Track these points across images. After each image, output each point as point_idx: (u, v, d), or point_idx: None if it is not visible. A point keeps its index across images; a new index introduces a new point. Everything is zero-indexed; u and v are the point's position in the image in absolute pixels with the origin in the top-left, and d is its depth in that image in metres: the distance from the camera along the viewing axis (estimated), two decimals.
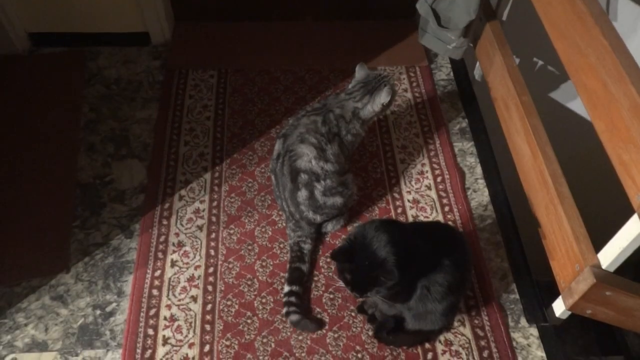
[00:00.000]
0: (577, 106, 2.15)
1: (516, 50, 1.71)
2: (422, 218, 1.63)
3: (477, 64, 1.92)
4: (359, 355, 1.36)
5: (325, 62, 2.09)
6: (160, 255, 1.53)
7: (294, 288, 1.41)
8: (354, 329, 1.40)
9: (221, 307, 1.43)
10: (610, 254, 1.11)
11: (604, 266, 1.13)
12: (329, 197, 1.44)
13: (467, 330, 1.41)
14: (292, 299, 1.40)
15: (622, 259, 1.10)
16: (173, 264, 1.51)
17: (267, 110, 1.92)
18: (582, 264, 1.16)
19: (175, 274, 1.49)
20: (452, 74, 2.08)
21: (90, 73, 2.03)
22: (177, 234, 1.57)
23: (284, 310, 1.40)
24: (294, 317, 1.37)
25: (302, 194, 1.43)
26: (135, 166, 1.74)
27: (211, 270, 1.50)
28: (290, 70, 2.05)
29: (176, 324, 1.40)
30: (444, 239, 1.25)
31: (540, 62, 1.97)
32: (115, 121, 1.87)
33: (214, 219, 1.61)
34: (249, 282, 1.48)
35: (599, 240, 1.18)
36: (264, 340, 1.38)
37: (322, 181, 1.42)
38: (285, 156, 1.44)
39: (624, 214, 1.08)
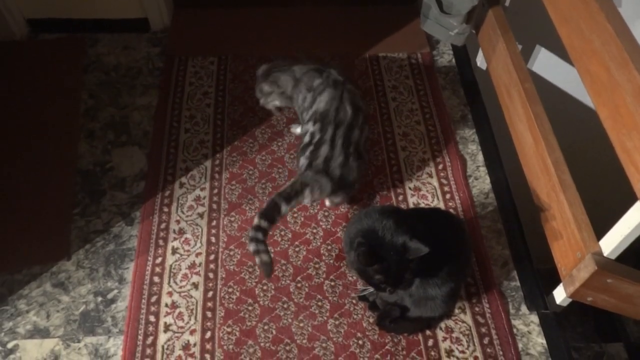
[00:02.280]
0: (581, 93, 2.13)
1: (519, 37, 1.69)
2: (423, 205, 1.62)
3: (480, 50, 1.90)
4: (360, 342, 1.36)
5: (326, 48, 2.07)
6: (161, 242, 1.53)
7: (263, 224, 1.29)
8: (355, 316, 1.40)
9: (222, 294, 1.43)
10: (612, 242, 1.11)
11: (605, 253, 1.13)
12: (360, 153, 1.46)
13: (467, 317, 1.41)
14: (260, 235, 1.28)
15: (624, 246, 1.10)
16: (174, 251, 1.51)
17: None
18: (584, 251, 1.16)
19: (176, 261, 1.49)
20: (454, 60, 2.06)
21: (89, 59, 2.01)
22: (177, 221, 1.57)
23: (253, 247, 1.28)
24: (266, 258, 1.28)
25: (355, 134, 1.44)
26: (135, 153, 1.74)
27: (212, 257, 1.50)
28: (290, 56, 2.03)
29: (177, 310, 1.41)
30: (444, 225, 1.25)
31: (543, 49, 1.95)
32: (115, 108, 1.86)
33: (214, 206, 1.61)
34: (250, 270, 1.48)
35: (601, 227, 1.17)
36: (265, 327, 1.38)
37: (366, 129, 1.48)
38: (344, 94, 1.46)
39: (627, 201, 1.07)
